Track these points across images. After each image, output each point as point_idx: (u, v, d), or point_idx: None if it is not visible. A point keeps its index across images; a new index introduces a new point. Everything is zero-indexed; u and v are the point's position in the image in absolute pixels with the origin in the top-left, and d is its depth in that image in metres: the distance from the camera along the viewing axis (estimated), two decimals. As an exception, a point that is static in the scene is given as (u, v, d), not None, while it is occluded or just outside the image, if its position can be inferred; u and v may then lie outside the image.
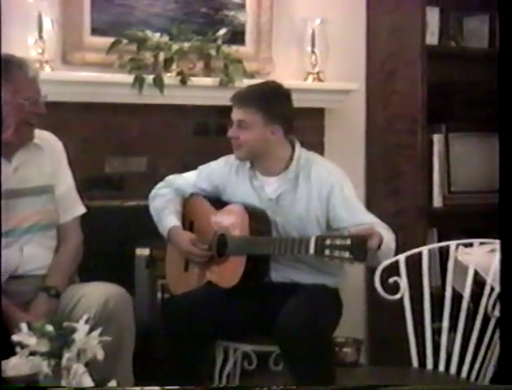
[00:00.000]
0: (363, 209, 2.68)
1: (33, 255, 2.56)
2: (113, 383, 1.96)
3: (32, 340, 1.89)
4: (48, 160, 2.64)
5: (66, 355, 1.88)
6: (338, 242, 2.29)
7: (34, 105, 2.53)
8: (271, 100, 2.67)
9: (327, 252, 2.30)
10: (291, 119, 2.71)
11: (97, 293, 2.49)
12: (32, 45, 3.07)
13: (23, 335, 1.91)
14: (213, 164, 2.88)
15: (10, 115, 2.47)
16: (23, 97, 2.50)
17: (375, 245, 2.36)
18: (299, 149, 2.74)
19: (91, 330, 1.94)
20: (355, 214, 2.59)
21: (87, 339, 1.92)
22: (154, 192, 2.89)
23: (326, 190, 2.65)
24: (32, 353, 1.89)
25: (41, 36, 3.07)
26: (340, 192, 2.64)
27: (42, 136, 2.64)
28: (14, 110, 2.48)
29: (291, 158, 2.71)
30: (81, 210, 2.72)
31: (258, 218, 2.67)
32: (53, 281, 2.55)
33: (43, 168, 2.62)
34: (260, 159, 2.72)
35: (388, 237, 2.53)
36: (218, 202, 2.82)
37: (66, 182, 2.69)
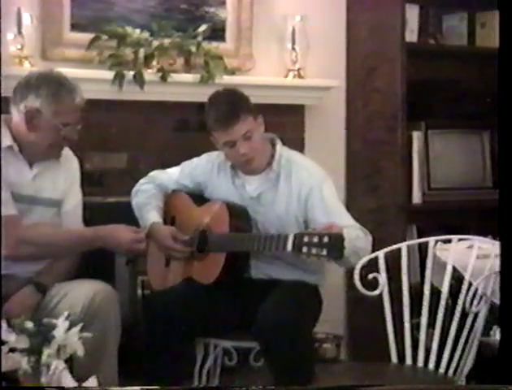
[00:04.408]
0: (343, 211, 2.66)
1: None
2: (93, 380, 1.96)
3: (11, 337, 1.89)
4: (63, 176, 2.70)
5: (45, 351, 1.88)
6: (315, 240, 2.29)
7: (70, 131, 2.58)
8: (245, 98, 2.67)
9: (304, 249, 2.31)
10: None
11: (83, 290, 2.52)
12: (11, 40, 3.06)
13: (2, 332, 1.90)
14: (195, 161, 2.88)
15: (45, 134, 2.56)
16: (62, 122, 2.55)
17: None
18: (280, 148, 2.74)
19: (77, 326, 1.95)
20: (332, 217, 2.56)
21: (67, 335, 1.92)
22: (136, 187, 2.90)
23: (305, 191, 2.65)
24: (12, 350, 1.88)
25: (20, 32, 3.05)
26: (318, 194, 2.64)
27: (61, 151, 2.68)
28: (49, 131, 2.55)
29: (272, 156, 2.72)
30: None
31: (238, 216, 2.68)
32: (44, 279, 2.58)
33: (57, 182, 2.68)
34: None
35: (359, 238, 2.53)
36: (200, 199, 2.83)
37: (75, 200, 2.73)
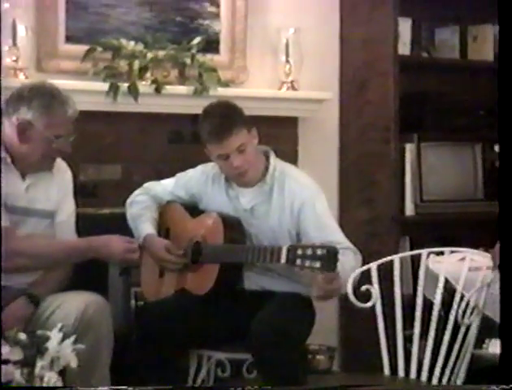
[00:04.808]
0: (334, 227, 2.67)
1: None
2: (87, 391, 1.97)
3: (4, 349, 1.89)
4: (55, 187, 2.70)
5: (39, 363, 1.88)
6: (309, 252, 2.30)
7: (62, 143, 2.59)
8: (238, 110, 2.68)
9: (298, 262, 2.32)
10: None
11: (76, 301, 2.52)
12: (6, 52, 3.05)
13: (-4, 344, 1.91)
14: (190, 172, 2.89)
15: (37, 146, 2.56)
16: (53, 134, 2.56)
17: None
18: (274, 160, 2.75)
19: (71, 338, 1.95)
20: (323, 232, 2.58)
21: (60, 347, 1.92)
22: (131, 199, 2.91)
23: (297, 205, 2.65)
24: (5, 362, 1.88)
25: (15, 44, 3.06)
26: (311, 209, 2.65)
27: (54, 163, 2.68)
28: (41, 143, 2.56)
29: (265, 169, 2.73)
30: None
31: (232, 227, 2.69)
32: (37, 290, 2.58)
33: (50, 194, 2.68)
34: None
35: (353, 267, 2.54)
36: (194, 210, 2.84)
37: (68, 210, 2.73)
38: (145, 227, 2.79)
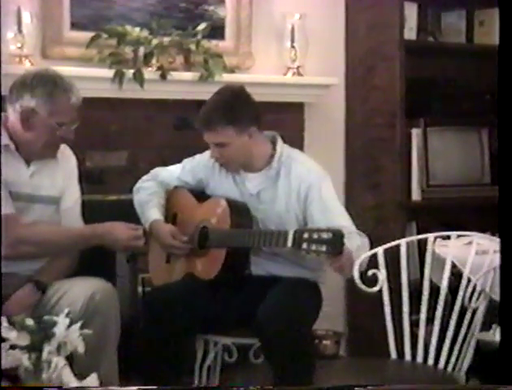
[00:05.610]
0: (341, 211, 2.66)
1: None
2: (93, 377, 1.97)
3: (12, 334, 1.90)
4: (61, 173, 2.70)
5: (46, 348, 1.89)
6: (315, 236, 2.29)
7: (66, 130, 2.59)
8: (235, 108, 2.64)
9: (304, 245, 2.31)
10: (260, 114, 2.69)
11: (83, 287, 2.53)
12: (11, 39, 3.06)
13: (3, 329, 1.91)
14: (197, 158, 2.89)
15: (40, 133, 2.56)
16: (57, 121, 2.57)
17: None
18: (281, 146, 2.74)
19: (78, 323, 1.96)
20: (329, 216, 2.57)
21: (67, 332, 1.93)
22: (138, 184, 2.91)
23: (304, 189, 2.65)
24: (13, 347, 1.89)
25: (20, 31, 3.06)
26: (317, 193, 2.64)
27: (58, 150, 2.69)
28: (44, 130, 2.56)
29: (272, 155, 2.73)
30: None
31: (239, 212, 2.69)
32: (43, 277, 2.59)
33: (55, 180, 2.69)
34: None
35: (359, 248, 2.52)
36: (201, 195, 2.84)
37: (73, 197, 2.74)
38: (152, 213, 2.80)
